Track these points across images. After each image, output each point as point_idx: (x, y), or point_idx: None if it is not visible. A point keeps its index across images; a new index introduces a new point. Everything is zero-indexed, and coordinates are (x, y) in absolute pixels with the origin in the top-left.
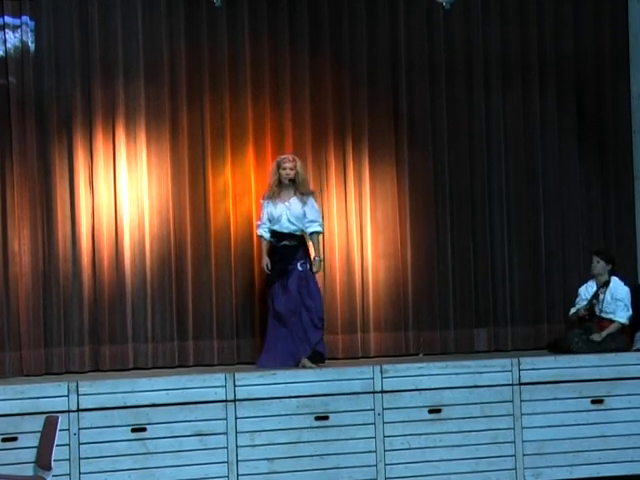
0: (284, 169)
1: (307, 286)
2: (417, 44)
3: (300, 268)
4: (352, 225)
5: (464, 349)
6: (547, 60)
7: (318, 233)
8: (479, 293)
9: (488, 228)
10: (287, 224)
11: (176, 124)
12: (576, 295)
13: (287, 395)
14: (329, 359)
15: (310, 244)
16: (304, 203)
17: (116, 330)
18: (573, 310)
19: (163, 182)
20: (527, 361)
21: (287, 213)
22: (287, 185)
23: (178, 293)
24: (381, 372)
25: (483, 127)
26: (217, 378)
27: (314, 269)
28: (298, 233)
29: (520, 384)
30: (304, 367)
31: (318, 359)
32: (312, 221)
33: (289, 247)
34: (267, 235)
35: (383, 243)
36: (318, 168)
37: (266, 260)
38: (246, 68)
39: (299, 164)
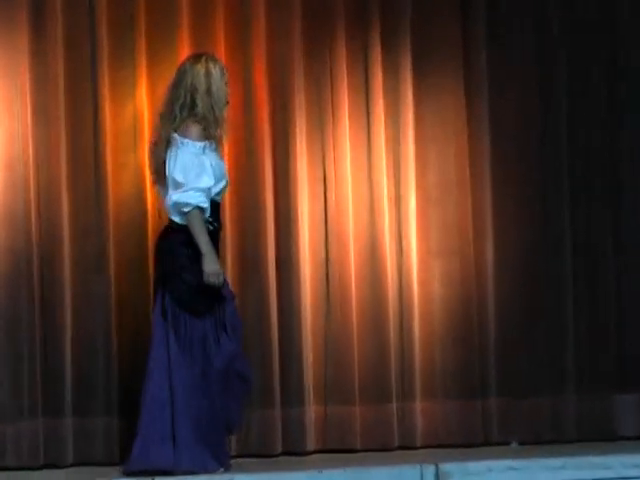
0: (226, 83)
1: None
2: None
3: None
4: (381, 195)
5: (597, 433)
6: None
7: None
8: (625, 329)
9: None
10: (224, 190)
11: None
12: None
13: None
14: (340, 451)
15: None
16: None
17: None
18: None
19: (16, 112)
20: None
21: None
22: None
23: (46, 324)
24: (437, 476)
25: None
26: None
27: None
28: None
29: None
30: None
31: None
32: None
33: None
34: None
35: (439, 230)
36: (316, 87)
37: (218, 265)
38: None
39: None
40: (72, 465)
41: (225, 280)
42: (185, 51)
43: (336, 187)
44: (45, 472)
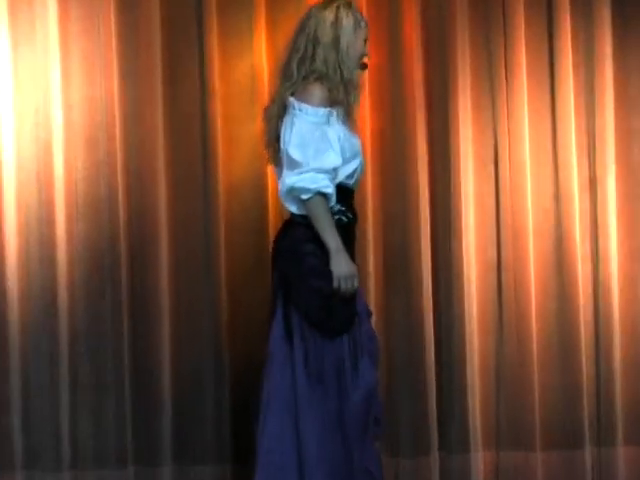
0: (366, 39)
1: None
2: None
3: None
4: (571, 177)
5: None
6: None
7: None
8: None
9: None
10: (361, 170)
11: None
12: None
13: None
14: None
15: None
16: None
17: None
18: None
19: (98, 72)
20: None
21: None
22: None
23: (137, 345)
24: None
25: None
26: None
27: None
28: None
29: None
30: None
31: None
32: None
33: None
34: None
35: None
36: (485, 39)
37: (352, 265)
38: None
39: None
40: None
41: (360, 292)
42: None
43: (511, 167)
44: None
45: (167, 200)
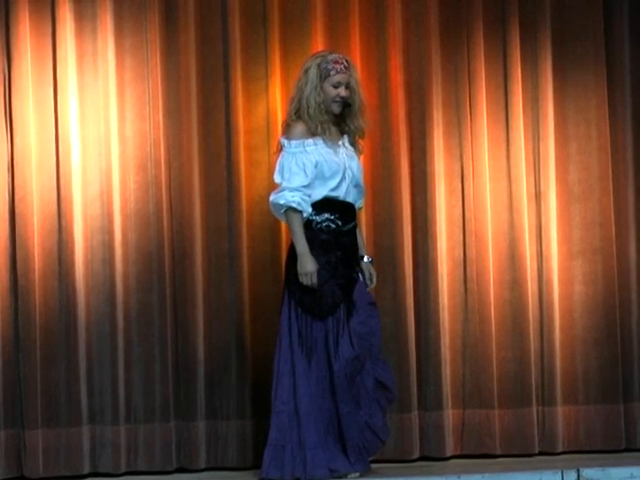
0: (336, 84)
1: (372, 313)
2: None
3: (360, 277)
4: (521, 192)
5: None
6: None
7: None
8: None
9: None
10: (354, 188)
11: None
12: None
13: None
14: (478, 456)
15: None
16: (359, 151)
17: (58, 402)
18: None
19: (149, 108)
20: None
21: (353, 167)
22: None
23: (177, 325)
24: None
25: None
26: None
27: (368, 280)
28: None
29: None
30: None
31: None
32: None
33: (354, 235)
34: (309, 209)
35: (581, 228)
36: (454, 82)
37: (314, 264)
38: None
39: (355, 75)
40: (204, 470)
41: (361, 286)
42: (318, 47)
43: (474, 184)
44: (177, 476)
45: (201, 212)
